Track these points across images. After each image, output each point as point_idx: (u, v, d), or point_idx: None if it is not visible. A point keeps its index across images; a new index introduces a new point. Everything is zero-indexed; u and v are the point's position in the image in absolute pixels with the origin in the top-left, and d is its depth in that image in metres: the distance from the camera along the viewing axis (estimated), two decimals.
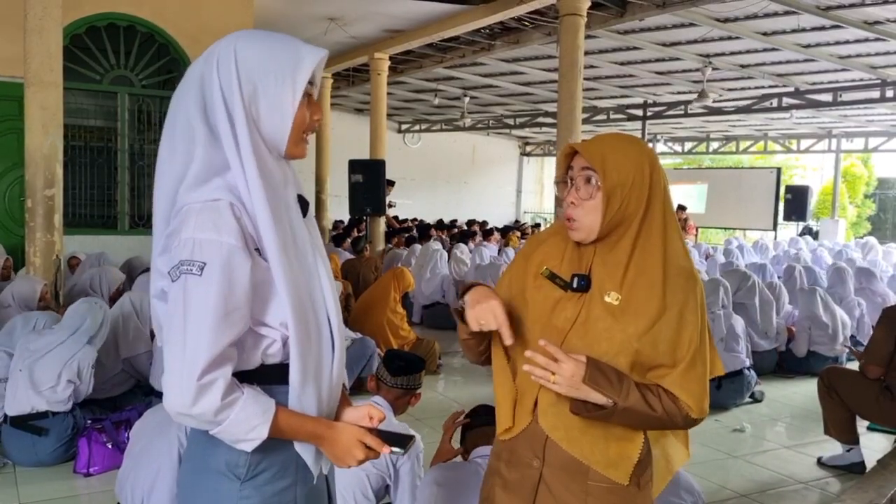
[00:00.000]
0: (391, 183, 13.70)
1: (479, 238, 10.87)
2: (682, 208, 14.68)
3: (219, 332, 1.25)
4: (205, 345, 1.24)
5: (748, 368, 5.35)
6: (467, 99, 15.38)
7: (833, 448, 4.24)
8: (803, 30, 9.08)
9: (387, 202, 13.49)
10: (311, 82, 1.38)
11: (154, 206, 1.39)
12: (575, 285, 1.54)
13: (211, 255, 1.26)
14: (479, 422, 2.63)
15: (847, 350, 6.12)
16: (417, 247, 9.59)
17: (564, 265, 1.58)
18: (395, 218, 14.87)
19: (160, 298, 1.36)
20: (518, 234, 13.51)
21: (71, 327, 3.92)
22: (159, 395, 2.62)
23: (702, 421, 1.54)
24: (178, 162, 1.34)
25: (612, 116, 15.42)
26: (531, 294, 1.60)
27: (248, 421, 1.28)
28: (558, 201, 1.62)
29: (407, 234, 11.61)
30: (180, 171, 1.33)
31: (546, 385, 1.46)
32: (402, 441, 1.44)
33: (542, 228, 16.87)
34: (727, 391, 5.20)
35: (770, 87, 12.64)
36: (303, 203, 1.45)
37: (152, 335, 4.55)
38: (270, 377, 1.36)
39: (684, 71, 11.90)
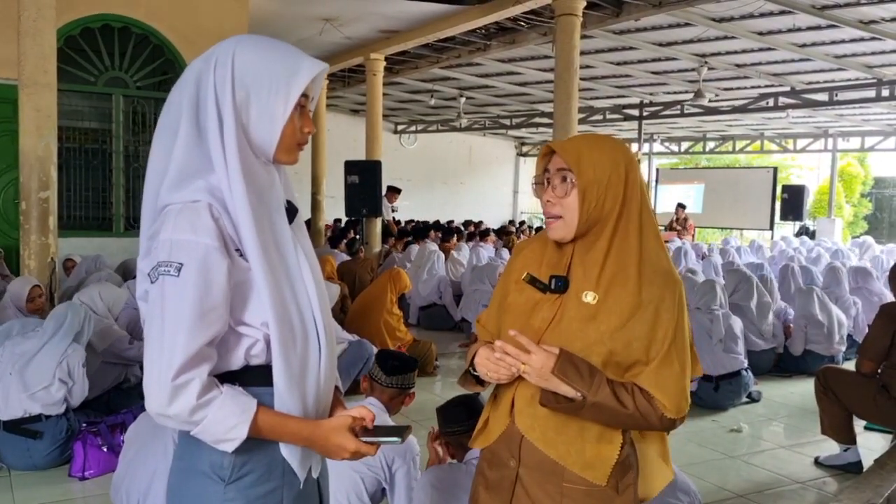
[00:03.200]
0: (397, 191, 13.67)
1: (454, 240, 10.76)
2: (681, 206, 14.69)
3: (195, 333, 1.26)
4: (181, 345, 1.25)
5: (746, 369, 5.35)
6: (463, 99, 15.38)
7: (830, 448, 4.24)
8: (799, 29, 9.09)
9: (391, 208, 13.49)
10: (305, 95, 1.38)
11: (143, 202, 1.39)
12: (553, 286, 1.55)
13: (188, 256, 1.27)
14: (458, 429, 2.62)
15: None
16: (414, 248, 9.58)
17: (544, 268, 1.60)
18: (396, 222, 14.83)
19: (144, 300, 1.36)
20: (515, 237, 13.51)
21: (54, 327, 3.89)
22: None
23: (680, 423, 1.54)
24: (161, 159, 1.35)
25: (608, 116, 15.44)
26: (513, 298, 1.62)
27: (226, 420, 1.28)
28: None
29: (405, 239, 11.58)
30: (163, 168, 1.34)
31: (516, 372, 1.49)
32: (398, 431, 1.45)
33: (535, 228, 16.92)
34: (725, 392, 5.20)
35: (766, 86, 12.66)
36: (291, 210, 1.44)
37: (133, 336, 4.57)
38: (256, 379, 1.36)
39: (680, 71, 11.91)
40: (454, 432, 2.65)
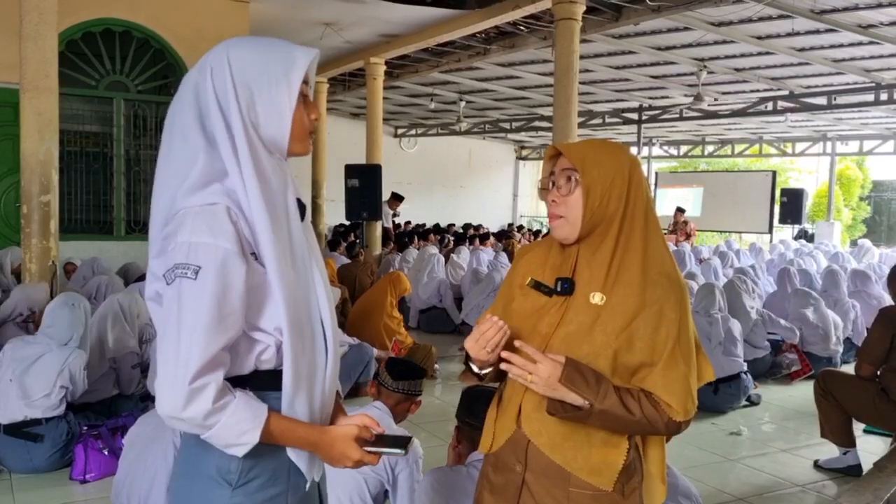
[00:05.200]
0: (400, 198, 13.68)
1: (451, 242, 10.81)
2: (680, 210, 14.70)
3: (212, 336, 1.25)
4: (198, 349, 1.24)
5: (745, 372, 5.36)
6: (463, 103, 15.40)
7: (830, 451, 4.25)
8: (797, 33, 9.11)
9: (392, 214, 13.50)
10: (305, 82, 1.39)
11: (152, 210, 1.39)
12: (559, 289, 1.55)
13: (206, 259, 1.26)
14: (475, 423, 2.62)
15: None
16: (413, 251, 9.58)
17: (548, 271, 1.60)
18: (397, 226, 14.83)
19: (155, 301, 1.36)
20: (517, 239, 13.53)
21: (58, 338, 3.84)
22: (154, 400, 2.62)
23: (685, 426, 1.54)
24: (177, 169, 1.34)
25: (607, 120, 15.46)
26: (518, 303, 1.62)
27: (238, 425, 1.28)
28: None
29: (399, 242, 11.61)
30: (180, 177, 1.33)
31: (523, 383, 1.48)
32: (402, 443, 1.45)
33: (534, 231, 16.93)
34: (724, 395, 5.21)
35: (765, 90, 12.68)
36: (301, 207, 1.45)
37: (141, 339, 4.55)
38: (264, 383, 1.36)
39: (679, 75, 11.94)
40: (470, 424, 2.65)
